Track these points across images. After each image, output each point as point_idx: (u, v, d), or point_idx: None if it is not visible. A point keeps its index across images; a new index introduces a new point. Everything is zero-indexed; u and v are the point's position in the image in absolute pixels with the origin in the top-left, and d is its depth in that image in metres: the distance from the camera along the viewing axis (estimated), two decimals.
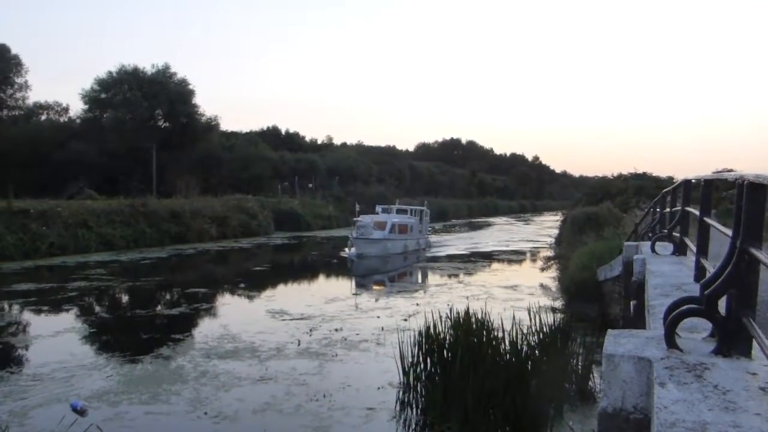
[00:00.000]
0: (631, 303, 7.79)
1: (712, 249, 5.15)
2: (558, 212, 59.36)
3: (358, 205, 31.73)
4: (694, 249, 5.45)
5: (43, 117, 49.64)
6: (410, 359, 8.59)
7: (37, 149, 40.29)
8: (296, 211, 44.44)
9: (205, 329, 13.33)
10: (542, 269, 24.66)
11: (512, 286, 19.77)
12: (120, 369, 10.05)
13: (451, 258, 28.98)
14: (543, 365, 8.23)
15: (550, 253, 29.05)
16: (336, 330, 12.93)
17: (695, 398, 2.35)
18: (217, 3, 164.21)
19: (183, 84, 48.76)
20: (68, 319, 14.21)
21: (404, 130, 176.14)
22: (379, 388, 9.11)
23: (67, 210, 27.19)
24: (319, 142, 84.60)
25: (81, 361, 10.35)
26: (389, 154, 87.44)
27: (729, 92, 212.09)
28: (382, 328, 12.91)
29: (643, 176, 33.81)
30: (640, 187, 30.19)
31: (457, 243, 37.54)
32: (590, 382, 8.84)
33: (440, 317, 8.80)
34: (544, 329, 8.98)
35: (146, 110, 46.08)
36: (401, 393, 8.52)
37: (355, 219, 29.42)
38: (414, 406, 8.31)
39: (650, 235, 10.05)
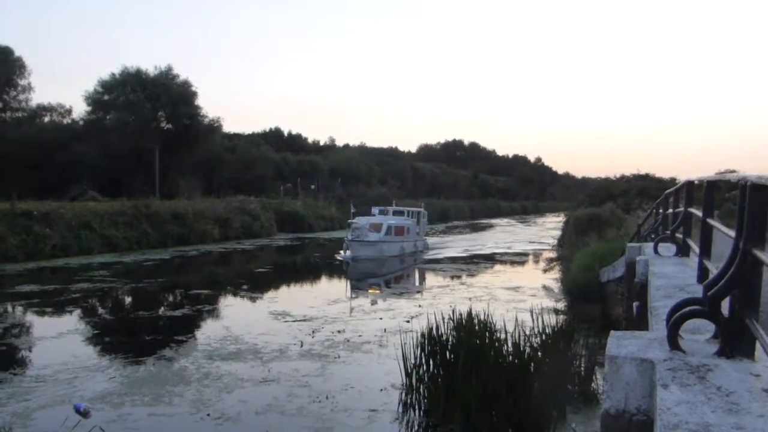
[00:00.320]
0: (634, 304, 7.78)
1: (715, 250, 5.14)
2: (560, 213, 59.33)
3: (354, 207, 31.25)
4: (697, 250, 5.44)
5: (47, 119, 49.81)
6: (413, 361, 8.58)
7: (40, 151, 40.45)
8: (298, 212, 44.47)
9: (208, 331, 13.34)
10: (545, 270, 24.61)
11: (515, 287, 19.73)
12: (123, 370, 10.06)
13: (452, 260, 28.88)
14: (545, 367, 8.20)
15: (552, 254, 29.01)
16: (338, 331, 12.92)
17: (698, 400, 2.35)
18: (220, 5, 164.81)
19: (186, 86, 48.84)
20: (71, 321, 14.24)
21: (407, 132, 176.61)
22: (381, 390, 9.10)
23: (70, 211, 27.31)
24: (321, 143, 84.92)
25: (84, 363, 10.36)
26: (391, 155, 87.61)
27: (732, 93, 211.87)
28: (385, 330, 12.88)
29: (646, 177, 33.72)
30: (643, 189, 30.12)
31: (459, 244, 37.37)
32: (593, 384, 8.81)
33: (443, 319, 8.78)
34: (547, 330, 8.94)
35: (149, 112, 46.18)
36: (404, 395, 8.52)
37: (350, 221, 28.85)
38: (416, 407, 8.30)
39: (653, 236, 10.01)
